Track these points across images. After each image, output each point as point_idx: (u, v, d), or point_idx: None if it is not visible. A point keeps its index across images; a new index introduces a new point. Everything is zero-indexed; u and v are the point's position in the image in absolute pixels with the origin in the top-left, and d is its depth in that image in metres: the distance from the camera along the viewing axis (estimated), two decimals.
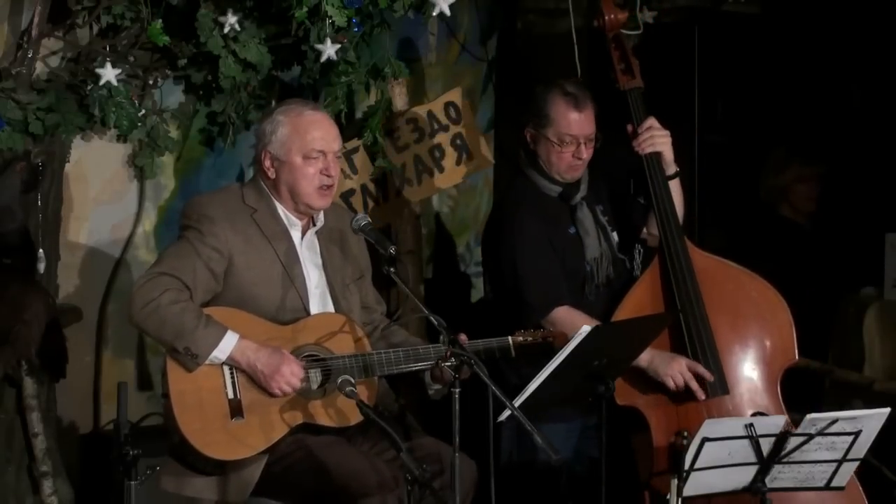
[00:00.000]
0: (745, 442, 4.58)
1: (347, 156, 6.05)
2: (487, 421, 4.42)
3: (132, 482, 4.66)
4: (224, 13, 5.56)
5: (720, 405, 5.10)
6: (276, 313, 4.74)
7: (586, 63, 6.12)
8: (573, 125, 5.20)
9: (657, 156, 5.27)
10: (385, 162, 6.23)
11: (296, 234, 4.84)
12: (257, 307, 4.72)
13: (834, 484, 4.72)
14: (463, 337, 4.61)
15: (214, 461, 4.61)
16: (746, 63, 7.43)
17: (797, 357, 5.20)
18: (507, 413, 4.46)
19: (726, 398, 5.12)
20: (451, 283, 7.02)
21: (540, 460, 5.02)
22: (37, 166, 5.53)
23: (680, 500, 4.59)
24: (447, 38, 6.90)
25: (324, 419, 4.68)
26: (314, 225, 4.88)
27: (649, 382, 5.12)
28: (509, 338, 4.83)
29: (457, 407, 4.36)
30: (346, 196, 6.13)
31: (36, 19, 5.46)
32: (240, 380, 4.65)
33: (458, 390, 4.38)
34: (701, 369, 5.07)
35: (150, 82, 5.77)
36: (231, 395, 4.64)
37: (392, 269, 4.65)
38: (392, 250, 4.65)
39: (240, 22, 5.57)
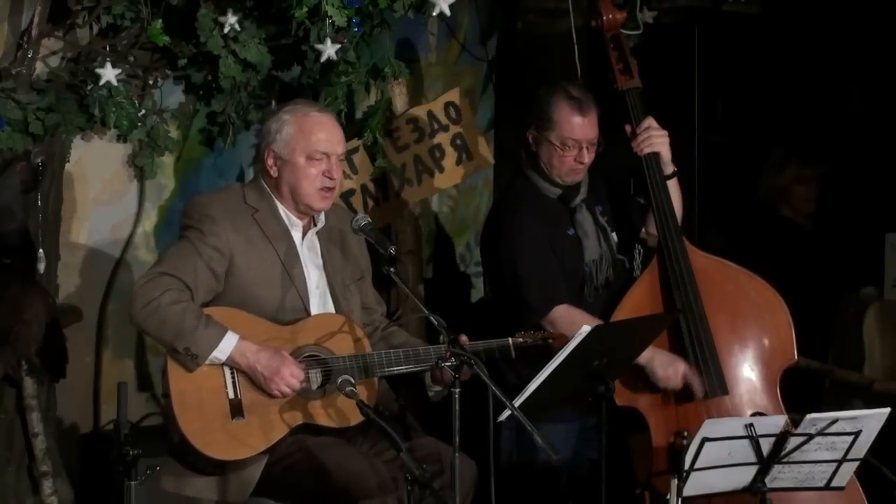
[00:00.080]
0: (745, 442, 4.58)
1: (347, 156, 6.05)
2: (487, 421, 4.42)
3: (132, 482, 4.66)
4: (224, 13, 5.56)
5: (720, 405, 5.10)
6: (276, 313, 4.74)
7: (586, 63, 6.12)
8: (576, 129, 5.20)
9: (656, 156, 5.28)
10: (385, 162, 6.23)
11: (296, 235, 4.84)
12: (258, 307, 4.72)
13: (834, 484, 4.72)
14: (464, 338, 4.61)
15: (215, 461, 4.61)
16: (746, 63, 7.43)
17: (796, 357, 5.21)
18: (507, 413, 4.46)
19: (726, 398, 5.12)
20: (451, 283, 7.02)
21: (540, 460, 5.03)
22: (37, 166, 5.53)
23: (680, 500, 4.59)
24: (447, 38, 6.90)
25: (324, 419, 4.68)
26: (315, 225, 4.88)
27: (649, 383, 5.12)
28: (509, 339, 4.83)
29: (457, 407, 4.36)
30: (346, 196, 6.14)
31: (36, 19, 5.46)
32: (240, 380, 4.65)
33: (457, 390, 4.38)
34: (696, 383, 5.08)
35: (150, 82, 5.77)
36: (231, 395, 4.64)
37: (392, 269, 4.65)
38: (392, 250, 4.65)
39: (240, 22, 5.57)
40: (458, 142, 6.35)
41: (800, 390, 5.38)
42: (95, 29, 5.66)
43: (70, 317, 5.72)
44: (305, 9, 5.47)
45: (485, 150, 6.43)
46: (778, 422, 4.65)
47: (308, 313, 4.77)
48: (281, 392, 4.61)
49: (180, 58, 5.71)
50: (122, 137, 5.74)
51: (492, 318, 5.29)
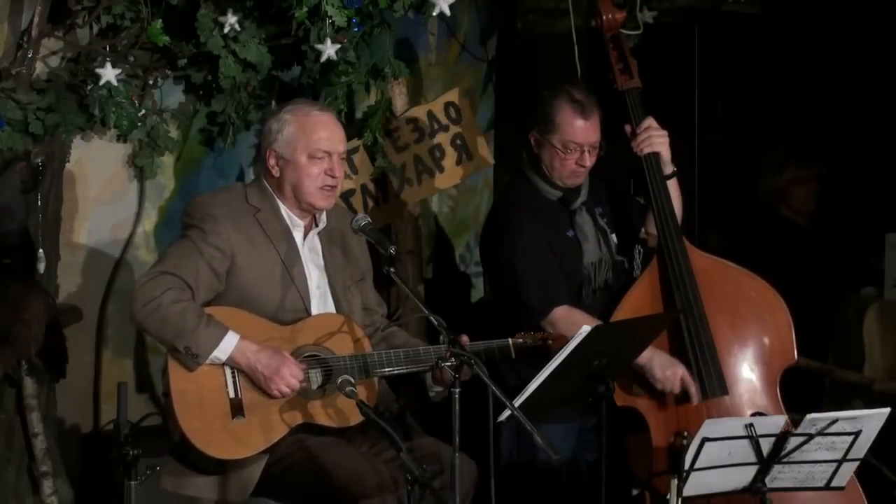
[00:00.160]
0: (745, 442, 4.58)
1: (347, 156, 6.05)
2: (487, 421, 4.42)
3: (132, 482, 4.66)
4: (224, 13, 5.56)
5: (719, 405, 5.10)
6: (277, 313, 4.74)
7: (586, 63, 6.12)
8: (578, 133, 5.19)
9: (655, 156, 5.28)
10: (385, 162, 6.23)
11: (298, 235, 4.85)
12: (259, 307, 4.72)
13: (834, 484, 4.72)
14: (465, 338, 4.61)
15: (215, 460, 4.61)
16: (746, 63, 7.43)
17: (796, 357, 5.20)
18: (507, 413, 4.46)
19: (725, 398, 5.12)
20: (451, 283, 7.02)
21: (540, 460, 5.03)
22: (37, 166, 5.53)
23: (680, 500, 4.59)
24: (447, 38, 6.90)
25: (324, 419, 4.68)
26: (317, 226, 4.88)
27: (649, 383, 5.12)
28: (509, 339, 4.83)
29: (457, 407, 4.36)
30: (346, 196, 6.14)
31: (36, 19, 5.46)
32: (241, 379, 4.65)
33: (457, 390, 4.38)
34: (692, 390, 5.08)
35: (150, 82, 5.78)
36: (232, 395, 4.64)
37: (392, 269, 4.65)
38: (392, 250, 4.65)
39: (240, 22, 5.57)
40: (458, 142, 6.35)
41: (800, 390, 5.38)
42: (95, 29, 5.66)
43: (70, 317, 5.73)
44: (305, 9, 5.47)
45: (485, 150, 6.43)
46: (778, 422, 4.65)
47: (309, 313, 4.77)
48: (281, 392, 4.61)
49: (180, 58, 5.72)
50: (122, 137, 5.75)
51: (491, 319, 5.29)
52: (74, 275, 5.84)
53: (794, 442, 4.59)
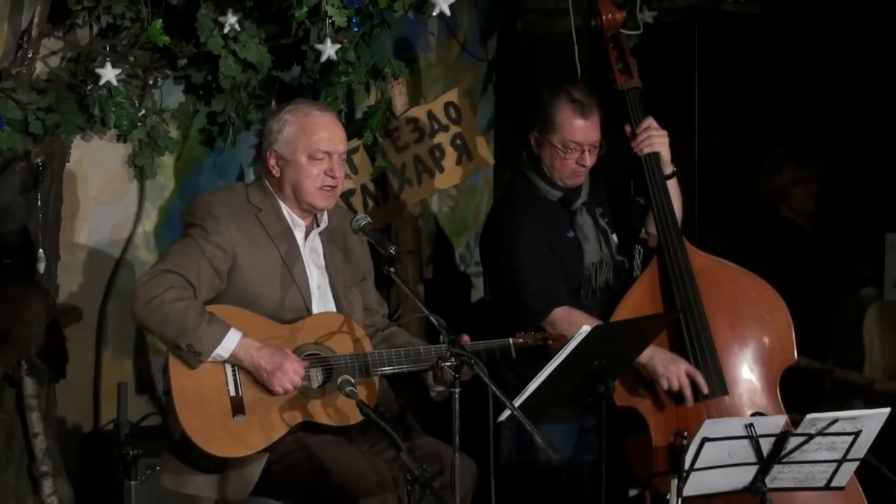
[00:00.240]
0: (745, 442, 4.58)
1: (347, 156, 6.05)
2: (487, 421, 4.42)
3: (132, 482, 4.67)
4: (224, 13, 5.56)
5: (719, 406, 5.10)
6: (277, 312, 4.74)
7: (586, 63, 6.12)
8: (578, 132, 5.19)
9: (655, 156, 5.28)
10: (385, 162, 6.23)
11: (299, 234, 4.85)
12: (259, 306, 4.72)
13: (834, 484, 4.72)
14: (466, 338, 4.62)
15: (216, 459, 4.62)
16: (746, 63, 7.43)
17: (796, 357, 5.20)
18: (507, 413, 4.46)
19: (725, 398, 5.12)
20: (451, 283, 7.02)
21: (540, 460, 5.03)
22: (37, 166, 5.53)
23: (680, 500, 4.59)
24: (447, 38, 6.90)
25: (324, 418, 4.68)
26: (318, 226, 4.89)
27: (649, 383, 5.12)
28: (510, 340, 4.83)
29: (457, 407, 4.36)
30: (346, 196, 6.13)
31: (36, 19, 5.46)
32: (241, 377, 4.65)
33: (457, 390, 4.39)
34: (699, 379, 5.07)
35: (150, 82, 5.77)
36: (233, 393, 4.64)
37: (392, 269, 4.65)
38: (392, 250, 4.66)
39: (240, 22, 5.57)
40: (458, 142, 6.35)
41: (800, 390, 5.38)
42: (95, 29, 5.66)
43: (70, 317, 5.72)
44: (305, 9, 5.47)
45: (485, 150, 6.43)
46: (778, 422, 4.65)
47: (310, 312, 4.78)
48: (283, 387, 4.61)
49: (180, 58, 5.72)
50: (122, 137, 5.75)
51: (491, 319, 5.29)
52: (74, 275, 5.84)
53: (794, 442, 4.59)
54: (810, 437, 4.58)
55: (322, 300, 4.83)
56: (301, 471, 4.64)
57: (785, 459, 4.62)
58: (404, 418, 4.93)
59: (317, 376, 4.70)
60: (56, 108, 5.50)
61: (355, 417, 4.66)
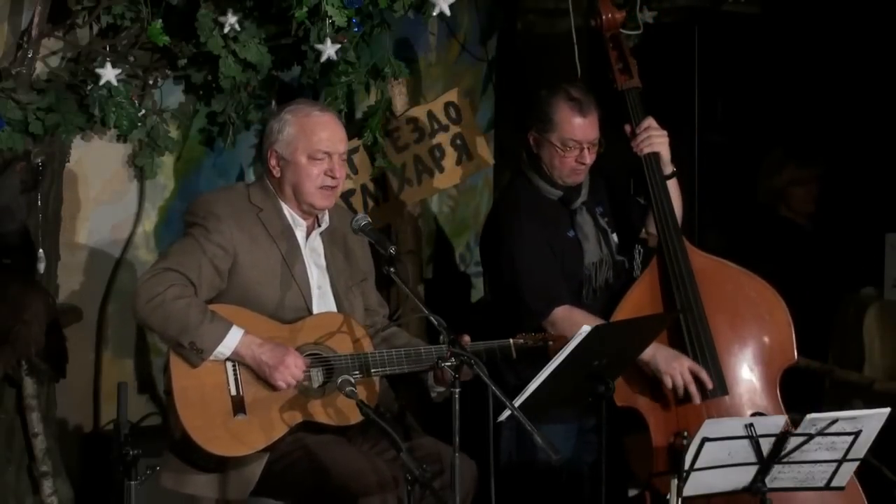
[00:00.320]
0: (745, 442, 4.58)
1: (348, 156, 6.05)
2: (487, 421, 4.42)
3: (132, 482, 4.67)
4: (224, 13, 5.56)
5: (719, 406, 5.10)
6: (278, 312, 4.74)
7: (586, 63, 6.11)
8: (577, 130, 5.20)
9: (655, 156, 5.28)
10: (385, 162, 6.23)
11: (300, 234, 4.85)
12: (260, 306, 4.72)
13: (834, 484, 4.72)
14: (466, 338, 4.62)
15: (216, 458, 4.62)
16: (746, 63, 7.43)
17: (796, 357, 5.20)
18: (507, 413, 4.46)
19: (725, 399, 5.12)
20: (451, 283, 7.02)
21: (540, 460, 5.03)
22: (37, 166, 5.53)
23: (680, 500, 4.59)
24: (447, 38, 6.90)
25: (324, 418, 4.69)
26: (319, 226, 4.89)
27: (649, 383, 5.12)
28: (510, 340, 4.83)
29: (457, 407, 4.36)
30: (346, 196, 6.14)
31: (36, 19, 5.46)
32: (243, 376, 4.65)
33: (458, 390, 4.39)
34: (703, 375, 5.07)
35: (150, 82, 5.78)
36: (234, 392, 4.64)
37: (392, 269, 4.65)
38: (392, 250, 4.66)
39: (240, 22, 5.57)
40: (458, 142, 6.35)
41: (800, 390, 5.38)
42: (95, 29, 5.66)
43: (70, 317, 5.73)
44: (305, 9, 5.47)
45: (485, 150, 6.43)
46: (778, 422, 4.65)
47: (310, 312, 4.78)
48: (286, 382, 4.61)
49: (180, 58, 5.72)
50: (122, 137, 5.75)
51: (491, 319, 5.29)
52: (74, 275, 5.84)
53: (794, 442, 4.59)
54: (810, 437, 4.58)
55: (322, 300, 4.83)
56: (301, 470, 4.64)
57: (785, 459, 4.62)
58: (404, 418, 4.93)
59: (317, 376, 4.71)
60: (56, 108, 5.50)
61: (355, 417, 4.66)
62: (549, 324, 5.09)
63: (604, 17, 5.37)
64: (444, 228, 7.04)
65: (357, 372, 4.69)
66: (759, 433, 4.57)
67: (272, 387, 4.64)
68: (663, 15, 6.67)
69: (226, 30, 5.56)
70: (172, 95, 5.89)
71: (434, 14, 5.55)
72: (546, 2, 6.94)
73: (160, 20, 5.52)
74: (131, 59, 5.68)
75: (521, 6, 7.15)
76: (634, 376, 5.10)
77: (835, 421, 4.57)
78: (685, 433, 4.69)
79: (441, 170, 6.34)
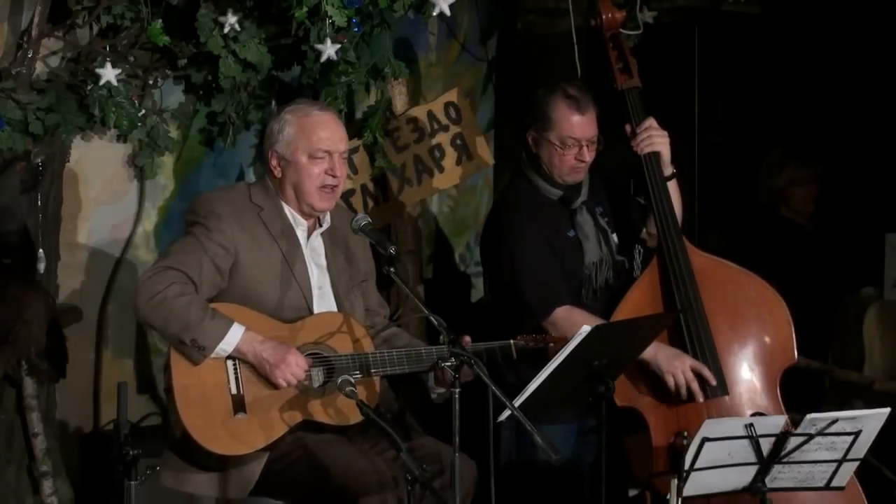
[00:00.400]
0: (745, 442, 4.58)
1: (348, 155, 6.04)
2: (487, 421, 4.42)
3: (132, 482, 4.67)
4: (224, 13, 5.56)
5: (719, 406, 5.10)
6: (279, 311, 4.74)
7: (586, 63, 6.11)
8: (575, 128, 5.20)
9: (656, 156, 5.27)
10: (385, 162, 6.23)
11: (301, 234, 4.85)
12: (261, 305, 4.72)
13: (834, 484, 4.72)
14: (467, 339, 4.62)
15: (216, 456, 4.62)
16: (746, 63, 7.43)
17: (796, 357, 5.20)
18: (506, 413, 4.46)
19: (725, 399, 5.12)
20: (451, 283, 7.02)
21: (540, 460, 5.02)
22: (37, 166, 5.53)
23: (680, 500, 4.59)
24: (447, 38, 6.90)
25: (324, 417, 4.69)
26: (320, 226, 4.89)
27: (649, 383, 5.12)
28: (511, 341, 4.82)
29: (457, 407, 4.36)
30: (346, 196, 6.13)
31: (36, 19, 5.46)
32: (243, 375, 4.65)
33: (458, 390, 4.39)
34: (706, 372, 5.07)
35: (150, 82, 5.77)
36: (234, 391, 4.64)
37: (392, 269, 4.65)
38: (392, 250, 4.66)
39: (240, 22, 5.57)
40: (458, 142, 6.35)
41: (800, 390, 5.38)
42: (95, 29, 5.66)
43: (70, 317, 5.72)
44: (305, 9, 5.47)
45: (485, 150, 6.43)
46: (778, 422, 4.65)
47: (311, 312, 4.78)
48: (286, 380, 4.61)
49: (180, 58, 5.71)
50: (122, 137, 5.74)
51: (492, 319, 5.28)
52: (74, 275, 5.84)
53: (794, 442, 4.59)
54: (810, 437, 4.58)
55: (323, 300, 4.83)
56: (301, 470, 4.64)
57: (785, 459, 4.62)
58: (404, 418, 4.93)
59: (318, 376, 4.71)
60: (56, 108, 5.50)
61: (355, 417, 4.66)
62: (550, 324, 5.09)
63: (604, 16, 5.37)
64: (444, 228, 7.04)
65: (357, 372, 4.69)
66: (759, 433, 4.57)
67: (273, 386, 4.64)
68: (663, 15, 6.67)
69: (226, 30, 5.56)
70: (172, 95, 5.89)
71: (434, 14, 5.55)
72: (546, 2, 6.94)
73: (160, 20, 5.52)
74: (131, 59, 5.68)
75: (521, 6, 7.15)
76: (635, 376, 5.10)
77: (835, 421, 4.57)
78: (685, 433, 4.69)
79: (441, 170, 6.34)
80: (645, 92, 5.35)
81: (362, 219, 4.80)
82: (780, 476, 4.68)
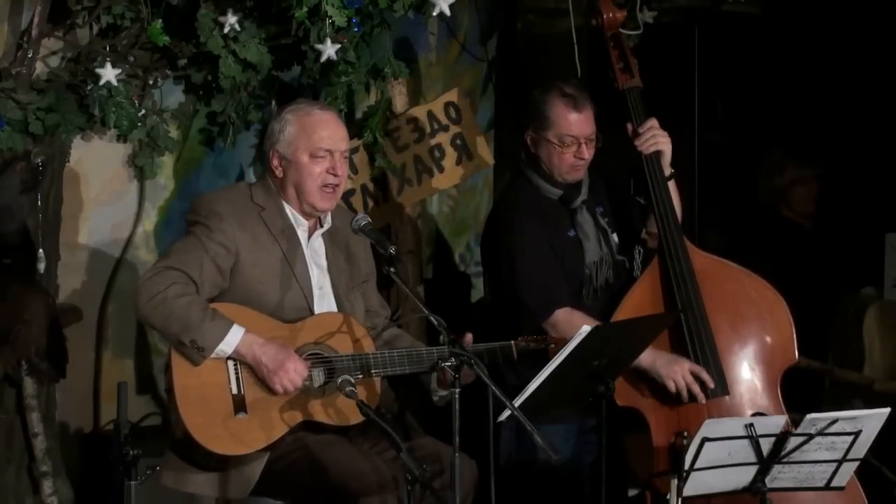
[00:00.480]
0: (745, 442, 4.58)
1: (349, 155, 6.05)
2: (487, 421, 4.42)
3: (132, 482, 4.67)
4: (224, 13, 5.55)
5: (720, 406, 5.10)
6: (279, 311, 4.74)
7: (586, 63, 6.11)
8: (573, 125, 5.20)
9: (658, 156, 5.28)
10: (385, 162, 6.23)
11: (302, 235, 4.85)
12: (261, 305, 4.72)
13: (834, 484, 4.72)
14: (469, 337, 4.62)
15: (217, 457, 4.62)
16: (746, 63, 7.43)
17: (797, 357, 5.20)
18: (507, 413, 4.46)
19: (726, 399, 5.12)
20: (451, 283, 7.01)
21: (540, 460, 5.02)
22: (37, 166, 5.53)
23: (680, 500, 4.59)
24: (447, 38, 6.90)
25: (324, 418, 4.68)
26: (321, 226, 4.89)
27: (650, 383, 5.12)
28: (512, 342, 4.82)
29: (457, 407, 4.36)
30: (346, 196, 6.13)
31: (36, 19, 5.46)
32: (244, 375, 4.65)
33: (458, 390, 4.39)
34: (704, 374, 5.07)
35: (150, 82, 5.77)
36: (235, 391, 4.64)
37: (392, 269, 4.65)
38: (392, 250, 4.66)
39: (240, 22, 5.57)
40: (458, 142, 6.35)
41: (800, 390, 5.38)
42: (95, 29, 5.66)
43: (70, 317, 5.72)
44: (305, 9, 5.47)
45: (485, 150, 6.43)
46: (778, 422, 4.65)
47: (312, 312, 4.78)
48: (283, 387, 4.61)
49: (180, 58, 5.71)
50: (122, 137, 5.74)
51: (491, 320, 5.28)
52: (74, 275, 5.84)
53: (794, 442, 4.59)
54: (810, 437, 4.58)
55: (323, 300, 4.83)
56: (301, 470, 4.64)
57: (785, 459, 4.62)
58: (404, 418, 4.93)
59: (319, 376, 4.70)
60: (56, 108, 5.50)
61: (356, 417, 4.66)
62: (549, 325, 5.09)
63: (605, 16, 5.37)
64: (443, 228, 7.04)
65: (358, 372, 4.69)
66: (759, 433, 4.57)
67: None
68: (663, 15, 6.67)
69: (226, 30, 5.56)
70: (172, 95, 5.89)
71: (434, 14, 5.55)
72: (546, 2, 6.94)
73: (160, 20, 5.51)
74: (131, 59, 5.68)
75: (521, 6, 7.15)
76: (635, 376, 5.10)
77: (835, 421, 4.57)
78: (685, 433, 4.69)
79: (441, 170, 6.34)
80: (645, 92, 5.35)
81: (362, 219, 4.80)
82: (780, 476, 4.68)
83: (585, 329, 4.57)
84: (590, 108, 5.23)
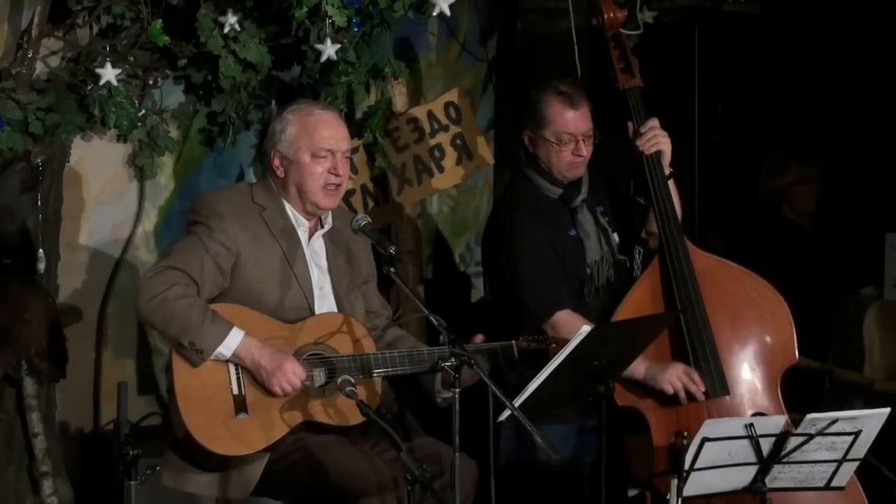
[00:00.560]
0: (745, 442, 4.58)
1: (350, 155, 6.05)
2: (487, 421, 4.42)
3: (132, 482, 4.67)
4: (224, 13, 5.55)
5: (720, 406, 5.10)
6: (280, 311, 4.74)
7: (586, 63, 6.11)
8: (570, 123, 5.21)
9: (658, 155, 5.28)
10: (385, 162, 6.23)
11: (303, 235, 4.85)
12: (262, 305, 4.72)
13: (834, 484, 4.72)
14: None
15: (217, 457, 4.62)
16: (746, 63, 7.43)
17: (797, 357, 5.20)
18: (507, 413, 4.46)
19: (726, 398, 5.12)
20: (451, 283, 7.01)
21: (540, 460, 5.02)
22: (37, 166, 5.53)
23: (680, 500, 4.59)
24: (447, 38, 6.90)
25: (324, 418, 4.68)
26: (322, 227, 4.89)
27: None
28: (513, 342, 4.82)
29: (457, 407, 4.36)
30: (346, 196, 6.12)
31: (36, 19, 5.46)
32: (245, 376, 4.65)
33: (458, 390, 4.39)
34: (695, 376, 5.08)
35: (150, 82, 5.77)
36: (236, 391, 4.64)
37: (392, 269, 4.65)
38: (392, 250, 4.66)
39: (240, 22, 5.57)
40: (458, 142, 6.35)
41: (800, 390, 5.38)
42: (95, 29, 5.66)
43: (70, 317, 5.72)
44: (305, 9, 5.47)
45: (485, 150, 6.43)
46: (778, 422, 4.65)
47: (312, 312, 4.78)
48: (282, 389, 4.61)
49: (180, 58, 5.71)
50: (122, 137, 5.74)
51: (492, 320, 5.28)
52: (74, 275, 5.84)
53: (794, 442, 4.59)
54: (810, 437, 4.58)
55: (324, 301, 4.83)
56: (302, 470, 4.64)
57: (785, 459, 4.62)
58: (404, 418, 4.93)
59: (320, 376, 4.70)
60: (56, 108, 5.50)
61: (356, 418, 4.66)
62: (550, 326, 5.09)
63: (605, 15, 5.37)
64: (443, 228, 7.04)
65: (358, 372, 4.69)
66: (759, 433, 4.57)
67: None
68: (663, 15, 6.67)
69: (226, 30, 5.56)
70: (172, 95, 5.89)
71: (434, 14, 5.55)
72: (546, 2, 6.94)
73: (160, 20, 5.51)
74: (131, 59, 5.68)
75: (521, 6, 7.15)
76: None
77: (835, 421, 4.57)
78: (685, 433, 4.69)
79: (441, 170, 6.34)
80: (645, 92, 5.35)
81: (362, 219, 4.80)
82: (780, 476, 4.68)
83: (585, 329, 4.57)
84: (586, 105, 5.23)
